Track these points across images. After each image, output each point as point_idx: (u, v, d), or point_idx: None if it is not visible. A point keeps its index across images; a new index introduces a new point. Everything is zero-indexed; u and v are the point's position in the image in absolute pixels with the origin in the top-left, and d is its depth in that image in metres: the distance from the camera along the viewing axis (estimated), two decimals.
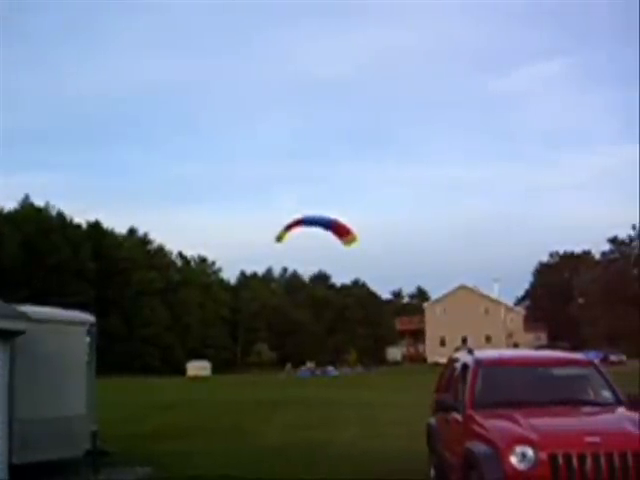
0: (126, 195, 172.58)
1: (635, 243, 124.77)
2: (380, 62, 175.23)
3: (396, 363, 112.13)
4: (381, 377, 73.41)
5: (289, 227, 18.39)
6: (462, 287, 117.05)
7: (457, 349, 11.81)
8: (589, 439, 7.94)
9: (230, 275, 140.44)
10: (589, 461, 7.80)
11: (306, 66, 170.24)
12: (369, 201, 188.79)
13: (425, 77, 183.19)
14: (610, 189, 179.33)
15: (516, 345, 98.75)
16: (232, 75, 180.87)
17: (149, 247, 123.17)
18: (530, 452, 7.87)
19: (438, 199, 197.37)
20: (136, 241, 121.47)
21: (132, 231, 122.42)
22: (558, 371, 10.05)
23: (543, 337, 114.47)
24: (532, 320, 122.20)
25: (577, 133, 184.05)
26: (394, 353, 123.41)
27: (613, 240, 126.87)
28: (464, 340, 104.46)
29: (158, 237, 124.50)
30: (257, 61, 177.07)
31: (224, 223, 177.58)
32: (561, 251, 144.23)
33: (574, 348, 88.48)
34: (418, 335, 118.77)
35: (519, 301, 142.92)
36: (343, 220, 19.25)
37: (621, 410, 9.19)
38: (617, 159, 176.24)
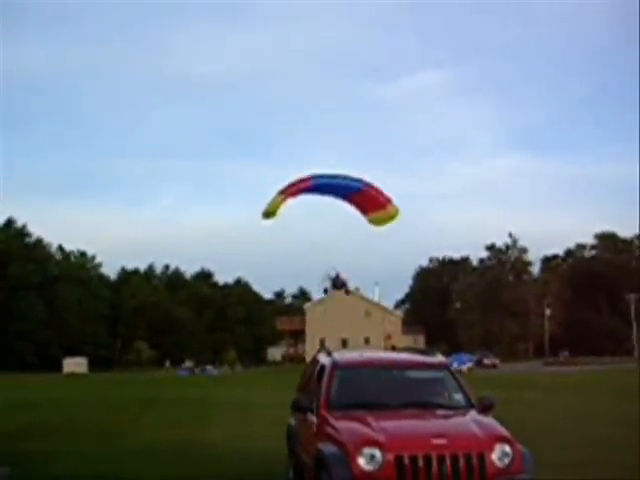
0: (3, 186, 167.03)
1: (511, 251, 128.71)
2: (265, 65, 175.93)
3: (276, 363, 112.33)
4: (260, 376, 73.66)
5: (289, 193, 13.85)
6: None
7: (319, 350, 11.88)
8: (435, 441, 8.14)
9: (110, 271, 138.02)
10: (434, 462, 8.00)
11: (190, 65, 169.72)
12: (251, 201, 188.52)
13: (310, 82, 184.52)
14: (488, 198, 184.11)
15: (394, 347, 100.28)
16: (113, 69, 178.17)
17: (27, 240, 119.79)
18: (378, 454, 8.02)
19: (319, 202, 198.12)
20: (13, 233, 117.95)
21: (9, 223, 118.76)
22: (413, 374, 10.21)
23: (420, 340, 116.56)
24: (411, 323, 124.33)
25: (458, 143, 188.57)
26: (274, 353, 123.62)
27: (490, 247, 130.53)
28: (344, 341, 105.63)
29: (37, 230, 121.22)
30: (140, 58, 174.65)
31: (105, 218, 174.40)
32: (440, 257, 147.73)
33: (450, 351, 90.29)
34: (299, 335, 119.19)
35: (399, 304, 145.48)
36: (379, 186, 14.33)
37: (471, 413, 9.42)
38: (495, 170, 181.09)
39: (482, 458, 8.14)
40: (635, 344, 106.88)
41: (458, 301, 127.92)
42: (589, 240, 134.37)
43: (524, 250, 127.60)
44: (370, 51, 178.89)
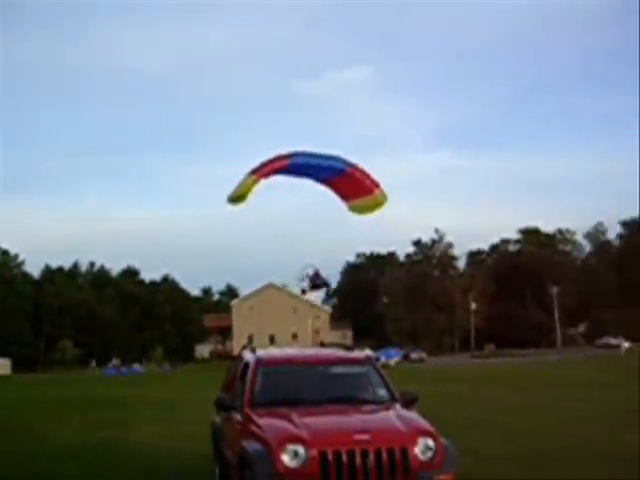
0: None
1: (437, 246, 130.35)
2: (191, 62, 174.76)
3: (204, 360, 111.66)
4: (187, 374, 73.08)
5: (262, 173, 12.12)
6: (270, 285, 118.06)
7: (244, 347, 11.79)
8: (358, 437, 8.16)
9: (34, 269, 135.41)
10: (358, 458, 8.02)
11: (112, 61, 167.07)
12: (178, 198, 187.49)
13: (237, 78, 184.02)
14: (414, 195, 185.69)
15: (322, 343, 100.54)
16: (33, 65, 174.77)
17: None
18: (301, 450, 8.01)
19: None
20: None
21: None
22: (337, 369, 10.24)
23: (348, 335, 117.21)
24: (339, 318, 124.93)
25: (384, 139, 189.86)
26: (202, 350, 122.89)
27: (417, 243, 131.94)
28: (271, 338, 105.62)
29: None
30: (62, 54, 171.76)
31: (27, 216, 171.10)
32: (368, 252, 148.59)
33: (378, 345, 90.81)
34: (226, 332, 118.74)
35: (326, 300, 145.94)
36: (366, 169, 12.64)
37: (395, 408, 9.46)
38: (421, 166, 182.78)
39: (405, 452, 8.19)
40: (558, 335, 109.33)
41: (385, 296, 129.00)
42: (513, 235, 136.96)
43: (450, 245, 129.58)
44: (299, 48, 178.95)
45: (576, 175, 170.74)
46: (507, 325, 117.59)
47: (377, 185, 12.77)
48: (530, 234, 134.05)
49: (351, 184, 12.69)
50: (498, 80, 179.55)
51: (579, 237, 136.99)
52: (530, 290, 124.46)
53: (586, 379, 39.26)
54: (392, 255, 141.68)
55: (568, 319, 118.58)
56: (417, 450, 8.27)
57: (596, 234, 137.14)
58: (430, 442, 8.38)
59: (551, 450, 14.75)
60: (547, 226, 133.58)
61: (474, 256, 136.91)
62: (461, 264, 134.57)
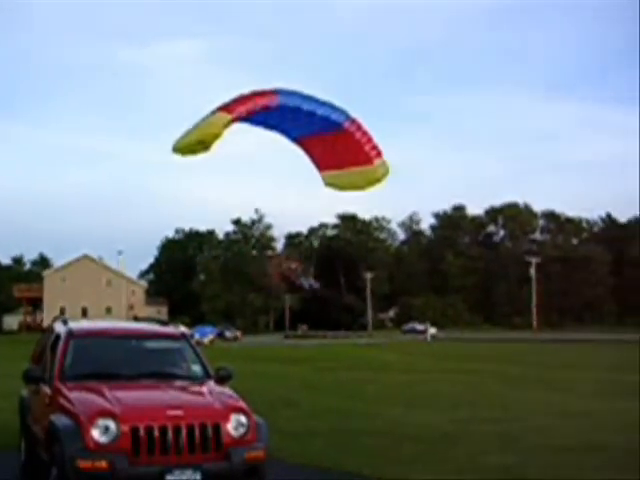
0: None
1: (256, 226, 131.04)
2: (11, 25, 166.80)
3: (12, 332, 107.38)
4: None
5: (237, 112, 9.16)
6: (85, 257, 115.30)
7: (55, 319, 11.47)
8: (171, 412, 8.12)
9: None
10: (170, 433, 8.00)
11: None
12: None
13: (66, 44, 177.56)
14: (235, 173, 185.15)
15: (136, 318, 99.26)
16: None
17: None
18: (112, 425, 7.90)
19: (68, 167, 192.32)
20: None
21: None
22: (151, 344, 10.16)
23: (164, 311, 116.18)
24: (155, 294, 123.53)
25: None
26: (11, 322, 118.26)
27: (236, 222, 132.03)
28: (84, 310, 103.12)
29: None
30: None
31: None
32: (187, 228, 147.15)
33: (193, 323, 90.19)
34: (37, 304, 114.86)
35: (143, 275, 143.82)
36: (368, 129, 9.91)
37: (209, 384, 9.49)
38: (245, 145, 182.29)
39: (218, 428, 8.23)
40: (369, 319, 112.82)
41: (202, 274, 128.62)
42: (332, 220, 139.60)
43: (269, 226, 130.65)
44: (125, 15, 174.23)
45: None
46: (321, 307, 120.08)
47: (379, 153, 10.12)
48: (347, 220, 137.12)
49: (346, 146, 9.98)
50: (326, 64, 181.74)
51: (394, 225, 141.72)
52: (345, 274, 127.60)
53: (391, 362, 40.95)
54: (211, 233, 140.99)
55: (380, 304, 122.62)
56: (229, 426, 8.33)
57: (410, 224, 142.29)
58: (243, 419, 8.46)
59: (356, 428, 15.28)
60: (364, 213, 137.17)
61: (292, 238, 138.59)
62: (279, 246, 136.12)
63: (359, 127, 9.91)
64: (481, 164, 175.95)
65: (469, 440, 13.82)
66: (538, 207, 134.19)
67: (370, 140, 9.95)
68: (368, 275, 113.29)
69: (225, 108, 9.25)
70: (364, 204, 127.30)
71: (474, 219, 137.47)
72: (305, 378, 30.03)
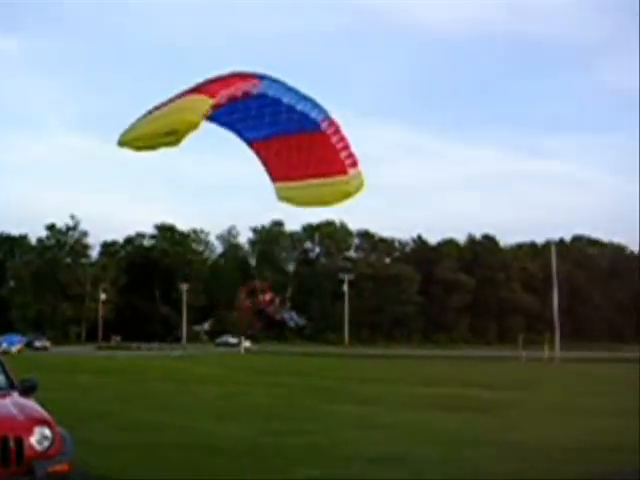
0: None
1: (71, 233, 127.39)
2: None
3: None
4: None
5: (219, 96, 7.57)
6: None
7: None
8: None
9: None
10: None
11: None
12: None
13: None
14: (51, 177, 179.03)
15: None
16: None
17: None
18: None
19: None
20: None
21: None
22: None
23: None
24: None
25: (26, 117, 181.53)
26: None
27: (51, 227, 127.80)
28: None
29: None
30: None
31: None
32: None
33: (1, 331, 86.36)
34: None
35: None
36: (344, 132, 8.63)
37: (12, 395, 9.22)
38: (64, 150, 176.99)
39: (20, 441, 8.01)
40: (184, 331, 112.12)
41: (12, 280, 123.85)
42: (149, 230, 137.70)
43: (85, 233, 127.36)
44: None
45: (216, 180, 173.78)
46: (135, 318, 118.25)
47: (355, 162, 8.90)
48: (165, 230, 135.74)
49: (318, 151, 8.64)
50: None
51: (212, 238, 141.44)
52: (160, 285, 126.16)
53: (205, 375, 40.95)
54: (24, 237, 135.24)
55: (195, 316, 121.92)
56: (33, 439, 8.12)
57: (228, 237, 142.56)
58: (47, 431, 8.27)
59: (167, 440, 15.16)
60: (182, 224, 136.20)
61: (108, 247, 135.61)
62: (94, 254, 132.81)
63: (337, 130, 8.77)
64: None
65: (278, 452, 14.00)
66: (353, 226, 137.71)
67: (347, 146, 8.82)
68: (184, 287, 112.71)
69: (203, 89, 7.61)
70: (183, 216, 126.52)
71: (292, 235, 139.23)
72: (117, 390, 29.51)
